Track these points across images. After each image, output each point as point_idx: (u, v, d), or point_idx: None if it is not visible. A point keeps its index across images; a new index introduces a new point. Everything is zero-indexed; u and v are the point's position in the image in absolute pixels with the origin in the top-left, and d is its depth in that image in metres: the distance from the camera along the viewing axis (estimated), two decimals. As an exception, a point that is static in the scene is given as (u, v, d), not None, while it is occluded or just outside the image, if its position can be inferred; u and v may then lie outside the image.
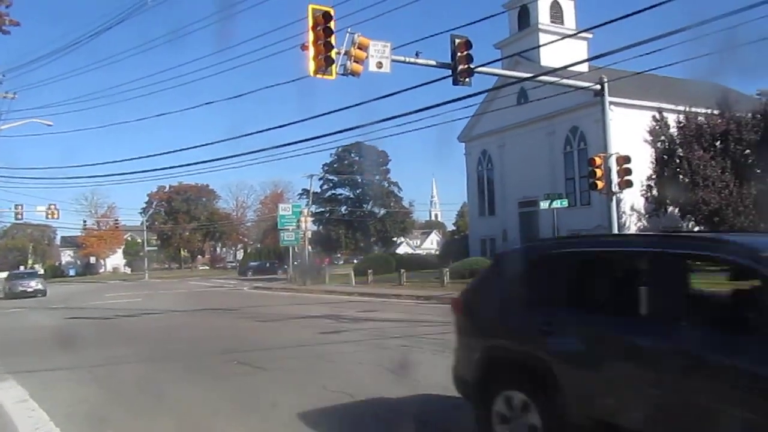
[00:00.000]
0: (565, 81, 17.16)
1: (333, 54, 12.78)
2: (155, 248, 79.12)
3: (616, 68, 16.76)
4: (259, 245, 79.72)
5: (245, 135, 55.87)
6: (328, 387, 7.44)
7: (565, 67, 15.92)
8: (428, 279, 28.32)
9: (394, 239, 77.57)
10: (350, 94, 59.24)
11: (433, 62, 14.57)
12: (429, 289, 25.01)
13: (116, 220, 76.76)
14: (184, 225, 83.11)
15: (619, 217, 23.18)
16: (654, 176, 25.42)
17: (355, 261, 57.54)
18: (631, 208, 27.66)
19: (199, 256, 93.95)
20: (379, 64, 13.50)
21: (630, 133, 24.07)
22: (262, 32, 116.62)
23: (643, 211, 27.73)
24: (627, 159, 15.96)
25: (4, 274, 44.54)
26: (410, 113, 16.60)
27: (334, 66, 12.88)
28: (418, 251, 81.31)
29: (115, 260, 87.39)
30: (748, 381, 3.37)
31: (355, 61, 13.31)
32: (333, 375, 8.32)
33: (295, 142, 21.68)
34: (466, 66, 14.03)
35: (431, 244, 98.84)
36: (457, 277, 27.54)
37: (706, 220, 23.45)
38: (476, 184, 39.07)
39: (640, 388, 3.82)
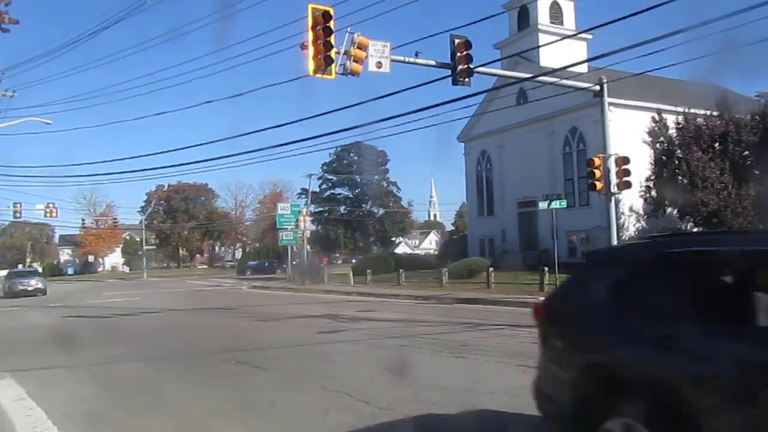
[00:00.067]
0: (564, 81, 17.15)
1: (332, 53, 12.77)
2: (154, 247, 79.02)
3: (616, 69, 16.75)
4: (257, 244, 79.79)
5: (244, 134, 55.92)
6: (327, 386, 7.44)
7: (565, 67, 15.90)
8: (427, 279, 28.34)
9: (393, 239, 77.59)
10: (349, 94, 59.16)
11: (432, 62, 14.56)
12: (428, 289, 25.05)
13: (115, 218, 76.64)
14: (182, 224, 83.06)
15: (618, 218, 23.20)
16: (653, 177, 25.43)
17: (354, 261, 57.56)
18: (629, 209, 27.68)
19: (197, 255, 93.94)
20: (379, 64, 13.49)
21: (629, 134, 24.07)
22: (262, 31, 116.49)
23: (641, 212, 27.75)
24: (626, 160, 15.95)
25: (4, 273, 44.46)
26: (409, 113, 16.57)
27: (333, 65, 12.86)
28: (416, 251, 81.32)
29: (114, 259, 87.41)
30: None
31: (354, 61, 13.30)
32: (332, 374, 8.31)
33: (295, 142, 21.75)
34: (465, 66, 14.02)
35: (430, 244, 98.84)
36: (456, 278, 27.61)
37: (705, 222, 23.46)
38: (475, 184, 39.06)
39: None
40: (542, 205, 23.63)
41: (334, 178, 71.14)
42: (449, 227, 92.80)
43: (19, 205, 41.96)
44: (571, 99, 23.19)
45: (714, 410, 3.30)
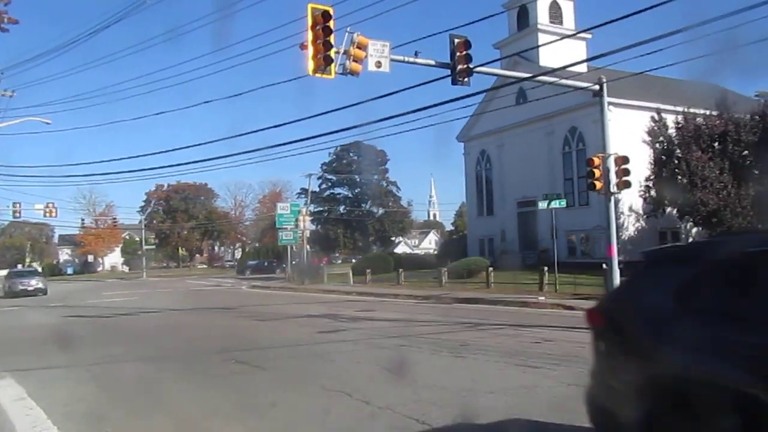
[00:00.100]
0: (564, 81, 17.15)
1: (332, 53, 12.76)
2: (153, 247, 79.02)
3: (615, 69, 16.76)
4: (257, 244, 79.77)
5: (243, 134, 55.97)
6: (327, 386, 7.44)
7: (564, 67, 15.91)
8: (426, 279, 28.35)
9: (393, 239, 77.56)
10: (349, 94, 59.19)
11: (432, 62, 14.55)
12: (427, 289, 25.07)
13: (114, 218, 76.62)
14: (182, 224, 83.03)
15: (618, 218, 23.24)
16: (652, 177, 25.45)
17: (354, 260, 57.54)
18: (629, 209, 27.72)
19: (197, 255, 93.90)
20: (378, 64, 13.48)
21: (628, 133, 24.09)
22: (261, 31, 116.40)
23: (641, 212, 27.79)
24: (625, 159, 15.95)
25: (4, 272, 44.38)
26: (409, 113, 16.58)
27: (333, 65, 12.86)
28: (416, 251, 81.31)
29: (113, 259, 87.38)
30: None
31: (354, 61, 13.29)
32: (332, 374, 8.31)
33: (294, 141, 21.77)
34: (465, 66, 14.01)
35: (429, 243, 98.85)
36: (455, 277, 27.62)
37: (704, 221, 23.50)
38: (475, 184, 39.07)
39: None
40: (542, 204, 23.65)
41: (334, 178, 71.12)
42: (449, 227, 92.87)
43: (18, 205, 42.01)
44: (571, 99, 23.20)
45: None
